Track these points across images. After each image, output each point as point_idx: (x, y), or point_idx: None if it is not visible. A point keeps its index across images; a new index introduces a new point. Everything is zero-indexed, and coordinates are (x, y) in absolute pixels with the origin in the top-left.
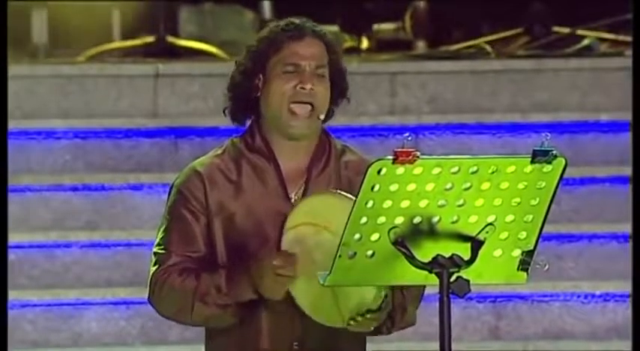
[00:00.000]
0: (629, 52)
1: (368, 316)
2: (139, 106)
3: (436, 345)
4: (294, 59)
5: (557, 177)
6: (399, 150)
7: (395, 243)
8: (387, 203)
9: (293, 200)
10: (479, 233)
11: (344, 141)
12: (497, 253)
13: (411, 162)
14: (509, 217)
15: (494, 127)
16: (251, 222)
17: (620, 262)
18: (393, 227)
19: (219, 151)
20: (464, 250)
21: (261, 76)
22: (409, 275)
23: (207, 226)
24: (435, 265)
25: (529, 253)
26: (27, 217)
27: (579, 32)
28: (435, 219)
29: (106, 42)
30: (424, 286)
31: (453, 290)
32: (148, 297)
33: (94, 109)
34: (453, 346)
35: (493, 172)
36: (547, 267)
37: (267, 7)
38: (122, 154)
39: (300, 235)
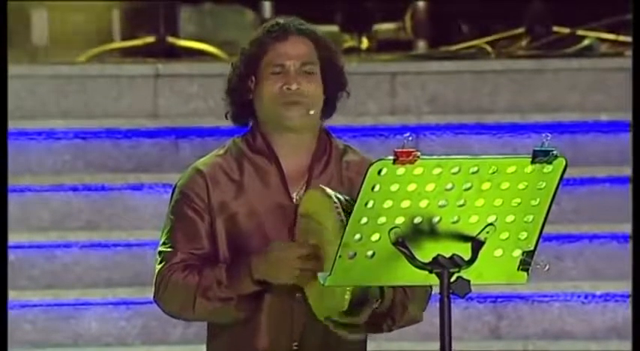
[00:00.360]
0: (629, 52)
1: (342, 320)
2: (139, 107)
3: (437, 345)
4: (280, 60)
5: (558, 177)
6: (400, 150)
7: (395, 243)
8: (388, 203)
9: (295, 200)
10: (479, 233)
11: (344, 141)
12: (498, 253)
13: (412, 162)
14: (510, 218)
15: (495, 127)
16: (253, 221)
17: (620, 263)
18: (394, 227)
19: (222, 151)
20: (464, 251)
21: (253, 78)
22: (410, 275)
23: (211, 225)
24: (436, 265)
25: (529, 254)
26: (27, 217)
27: (579, 32)
28: (436, 219)
29: (106, 42)
30: (430, 286)
31: (454, 290)
32: (154, 295)
33: (94, 110)
34: (454, 346)
35: (493, 173)
36: (547, 267)
37: (267, 7)
38: (122, 154)
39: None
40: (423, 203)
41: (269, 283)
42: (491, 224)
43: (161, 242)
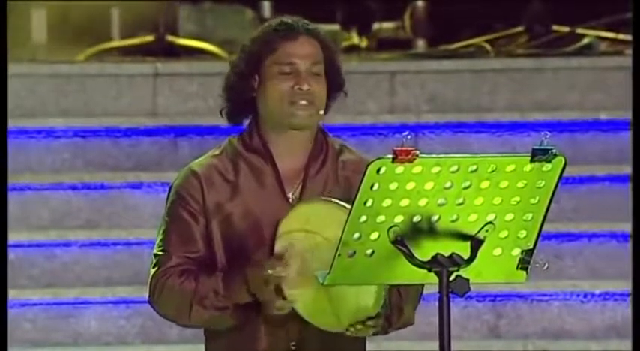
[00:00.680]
0: (628, 51)
1: (368, 322)
2: (139, 105)
3: (436, 344)
4: (290, 59)
5: (557, 176)
6: (399, 149)
7: (394, 242)
8: (387, 202)
9: (290, 200)
10: (478, 232)
11: (344, 140)
12: (497, 251)
13: (411, 161)
14: (509, 216)
15: (494, 126)
16: (249, 222)
17: (620, 261)
18: (393, 226)
19: (217, 152)
20: (463, 249)
21: (256, 76)
22: (409, 274)
23: (206, 226)
24: (435, 263)
25: (528, 252)
26: (26, 216)
27: (579, 31)
28: (435, 218)
29: (106, 41)
30: (422, 286)
31: (453, 289)
32: (148, 298)
33: (94, 108)
34: (453, 345)
35: (492, 171)
36: (546, 266)
37: (266, 6)
38: (121, 153)
39: (294, 240)
40: (422, 202)
41: None
42: (490, 223)
43: (156, 245)
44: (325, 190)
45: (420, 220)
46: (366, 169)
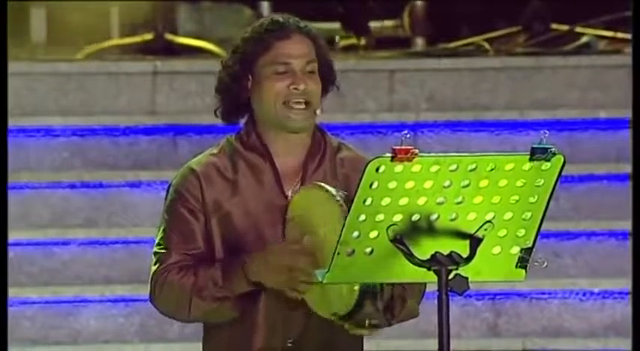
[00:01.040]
0: (628, 49)
1: (339, 320)
2: (138, 104)
3: (435, 342)
4: (284, 59)
5: (556, 174)
6: (398, 147)
7: (393, 240)
8: (386, 201)
9: (289, 197)
10: (477, 231)
11: (342, 138)
12: (496, 250)
13: (410, 159)
14: (508, 215)
15: (493, 124)
16: (248, 220)
17: (619, 260)
18: (392, 225)
19: (216, 150)
20: (462, 248)
21: (250, 77)
22: (408, 273)
23: (205, 224)
24: (434, 262)
25: (528, 251)
26: (25, 214)
27: (578, 30)
28: (434, 216)
29: (105, 39)
30: None
31: (452, 288)
32: (149, 296)
33: (93, 107)
34: (452, 344)
35: (492, 170)
36: (546, 264)
37: (265, 5)
38: (120, 152)
39: (297, 224)
40: (421, 200)
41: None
42: (489, 221)
43: (156, 243)
44: None
45: (419, 219)
46: (365, 167)
